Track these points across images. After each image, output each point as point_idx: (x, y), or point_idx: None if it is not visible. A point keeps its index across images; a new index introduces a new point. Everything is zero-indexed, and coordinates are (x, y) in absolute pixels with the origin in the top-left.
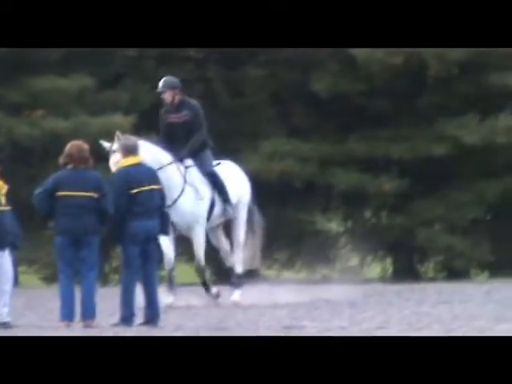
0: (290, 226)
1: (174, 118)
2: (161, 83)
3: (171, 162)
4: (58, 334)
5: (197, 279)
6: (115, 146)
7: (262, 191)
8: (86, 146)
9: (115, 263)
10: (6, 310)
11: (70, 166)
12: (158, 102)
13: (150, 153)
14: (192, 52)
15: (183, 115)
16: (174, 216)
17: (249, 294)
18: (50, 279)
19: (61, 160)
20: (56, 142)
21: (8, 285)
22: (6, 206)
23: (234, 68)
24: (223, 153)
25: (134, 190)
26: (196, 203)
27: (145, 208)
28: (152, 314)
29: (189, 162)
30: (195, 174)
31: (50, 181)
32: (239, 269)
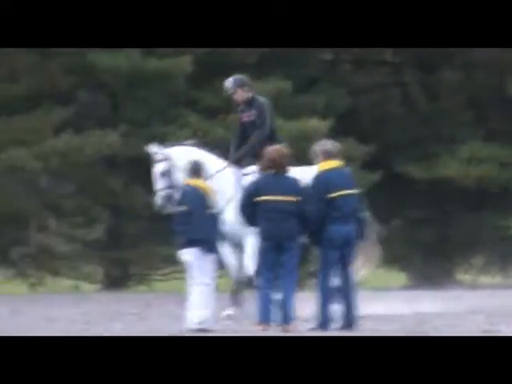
0: (486, 231)
1: (245, 116)
2: (228, 83)
3: (218, 171)
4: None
5: (394, 283)
6: (160, 155)
7: (459, 196)
8: (286, 151)
9: (312, 267)
10: (206, 315)
11: (270, 171)
12: (355, 106)
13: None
14: (388, 56)
15: (252, 114)
16: (224, 225)
17: (445, 299)
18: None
19: (261, 165)
20: None
21: (212, 290)
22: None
23: (431, 72)
24: (420, 157)
25: (333, 195)
26: None
27: (342, 212)
28: (350, 318)
29: (251, 168)
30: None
31: (251, 186)
32: None
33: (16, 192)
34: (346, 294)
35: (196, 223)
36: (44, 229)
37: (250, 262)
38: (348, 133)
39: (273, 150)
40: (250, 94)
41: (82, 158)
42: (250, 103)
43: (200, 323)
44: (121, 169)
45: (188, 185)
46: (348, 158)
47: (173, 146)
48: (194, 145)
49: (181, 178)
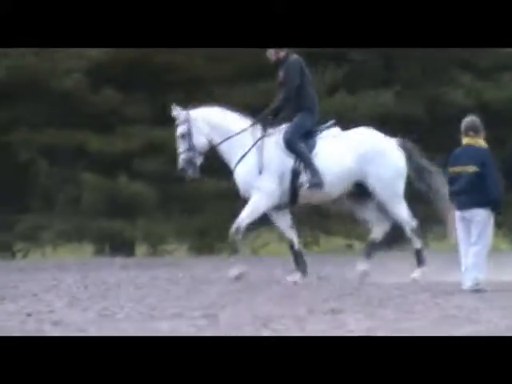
0: None
1: (280, 77)
2: None
3: (238, 133)
4: None
5: None
6: (180, 118)
7: None
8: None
9: None
10: (482, 276)
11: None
12: None
13: (217, 121)
14: None
15: (281, 74)
16: (238, 183)
17: None
18: None
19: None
20: None
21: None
22: None
23: None
24: None
25: None
26: (253, 173)
27: None
28: None
29: (277, 128)
30: (272, 142)
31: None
32: (417, 244)
33: None
34: None
35: (490, 184)
36: None
37: (243, 215)
38: None
39: None
40: (281, 55)
41: (356, 119)
42: (282, 64)
43: (477, 284)
44: (393, 129)
45: (472, 145)
46: None
47: (194, 108)
48: (220, 107)
49: (200, 140)
